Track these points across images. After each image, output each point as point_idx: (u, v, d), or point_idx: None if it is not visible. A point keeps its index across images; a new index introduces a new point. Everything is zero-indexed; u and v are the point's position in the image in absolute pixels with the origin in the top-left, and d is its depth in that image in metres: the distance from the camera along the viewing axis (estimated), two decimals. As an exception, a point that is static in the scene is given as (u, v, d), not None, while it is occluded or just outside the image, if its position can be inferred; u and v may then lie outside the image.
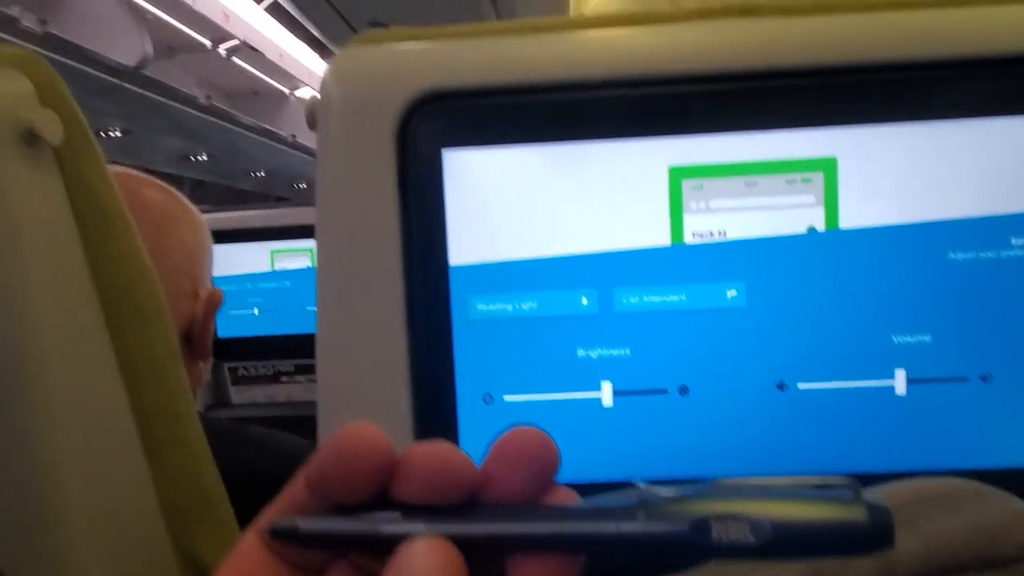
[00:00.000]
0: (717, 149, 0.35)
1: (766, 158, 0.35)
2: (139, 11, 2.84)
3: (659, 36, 0.36)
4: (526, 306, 0.35)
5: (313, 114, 0.37)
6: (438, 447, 0.18)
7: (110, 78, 2.81)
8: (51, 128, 0.38)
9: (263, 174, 5.63)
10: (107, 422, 0.44)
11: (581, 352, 0.36)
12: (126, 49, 2.70)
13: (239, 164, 5.22)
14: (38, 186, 0.39)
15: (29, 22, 2.26)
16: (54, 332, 0.40)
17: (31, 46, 2.39)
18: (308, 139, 4.81)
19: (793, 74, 0.34)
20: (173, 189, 0.67)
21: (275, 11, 3.35)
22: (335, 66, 0.36)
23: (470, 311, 0.36)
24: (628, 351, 0.35)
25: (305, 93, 4.75)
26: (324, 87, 0.36)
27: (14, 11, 2.23)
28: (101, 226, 0.41)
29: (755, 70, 0.34)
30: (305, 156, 5.06)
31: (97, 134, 3.94)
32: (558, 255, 0.35)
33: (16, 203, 0.38)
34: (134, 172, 0.64)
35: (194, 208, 0.67)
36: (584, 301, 0.35)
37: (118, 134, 3.65)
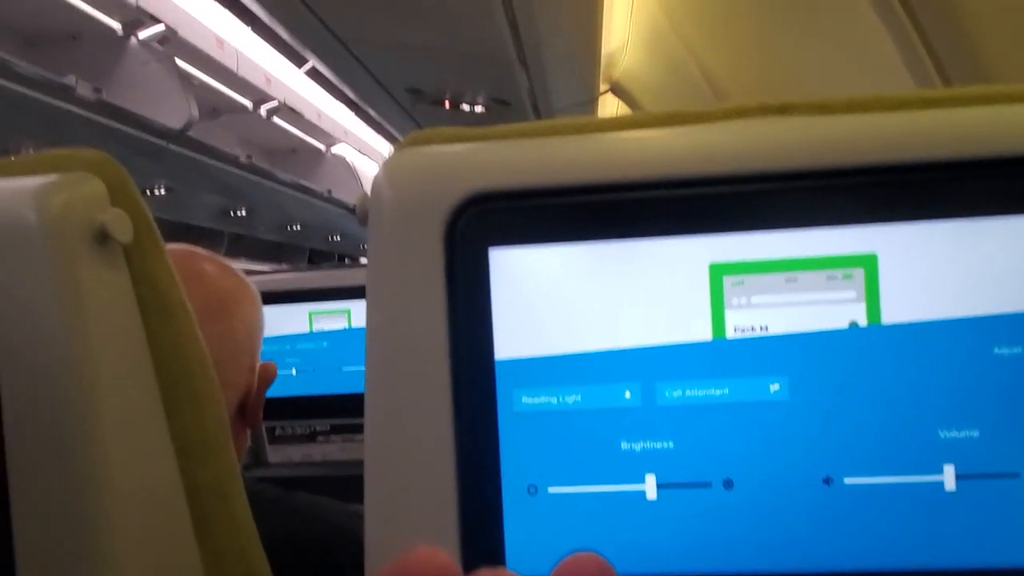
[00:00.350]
0: (757, 246, 0.35)
1: (806, 255, 0.35)
2: (186, 77, 2.97)
3: (698, 136, 0.37)
4: (570, 399, 0.36)
5: (365, 212, 0.39)
6: (504, 575, 0.19)
7: (157, 140, 2.93)
8: (121, 227, 0.40)
9: (299, 227, 5.77)
10: (160, 501, 0.45)
11: (625, 445, 0.36)
12: (173, 113, 2.82)
13: (276, 218, 5.36)
14: (107, 281, 0.41)
15: (84, 91, 2.38)
16: (115, 415, 0.42)
17: (85, 112, 2.51)
18: (342, 194, 4.93)
19: (831, 173, 0.35)
20: (229, 264, 0.70)
21: (314, 74, 3.48)
22: (386, 168, 0.38)
23: (515, 404, 0.36)
24: (672, 444, 0.36)
25: (341, 150, 4.89)
26: (375, 187, 0.38)
27: (70, 80, 2.35)
28: (163, 316, 0.43)
29: (794, 170, 0.35)
30: (339, 210, 5.18)
31: (143, 192, 4.09)
32: (601, 350, 0.36)
33: (87, 297, 0.40)
34: (194, 250, 0.67)
35: (251, 283, 0.70)
36: (627, 395, 0.36)
37: (162, 192, 3.78)
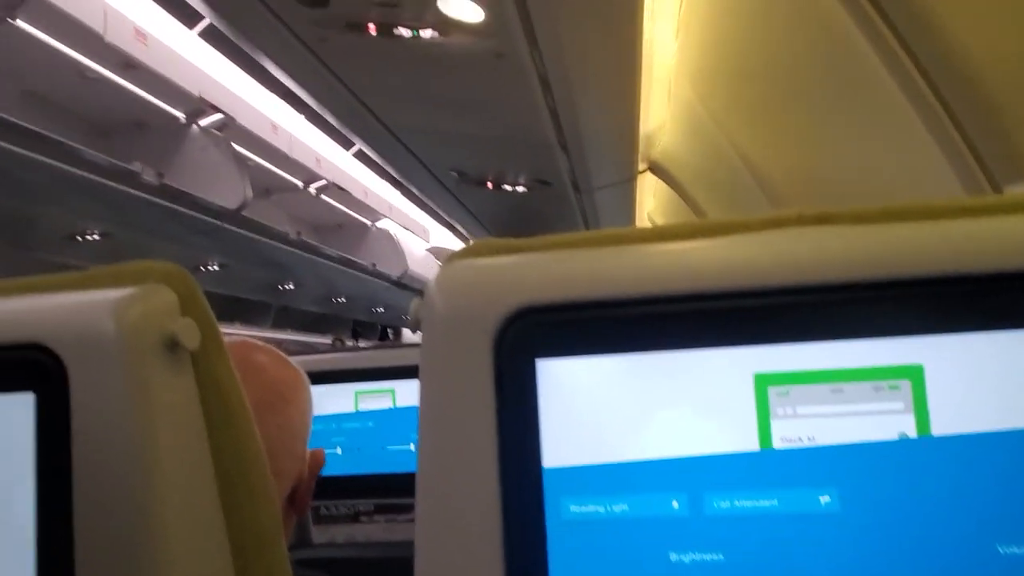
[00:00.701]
0: (802, 357, 0.36)
1: (851, 366, 0.36)
2: (242, 159, 3.13)
3: (738, 248, 0.38)
4: (618, 508, 0.37)
5: (417, 320, 0.41)
6: None
7: (213, 220, 3.07)
8: (190, 336, 0.43)
9: (344, 300, 5.88)
10: None
11: (673, 556, 0.36)
12: (229, 194, 2.96)
13: (322, 291, 5.48)
14: (175, 385, 0.43)
15: (148, 176, 2.52)
16: (178, 513, 0.43)
17: (149, 196, 2.65)
18: (386, 267, 5.04)
19: (873, 285, 0.36)
20: (281, 353, 0.72)
21: (361, 156, 3.63)
22: (439, 279, 0.40)
23: (563, 512, 0.37)
24: (721, 556, 0.36)
25: (385, 224, 5.03)
26: (428, 297, 0.40)
27: (136, 167, 2.50)
28: (225, 417, 0.45)
29: (835, 282, 0.36)
30: (382, 283, 5.29)
31: (196, 268, 4.26)
32: (648, 459, 0.37)
33: (156, 401, 0.42)
34: (250, 343, 0.70)
35: (303, 371, 0.72)
36: (675, 504, 0.36)
37: (215, 268, 3.92)
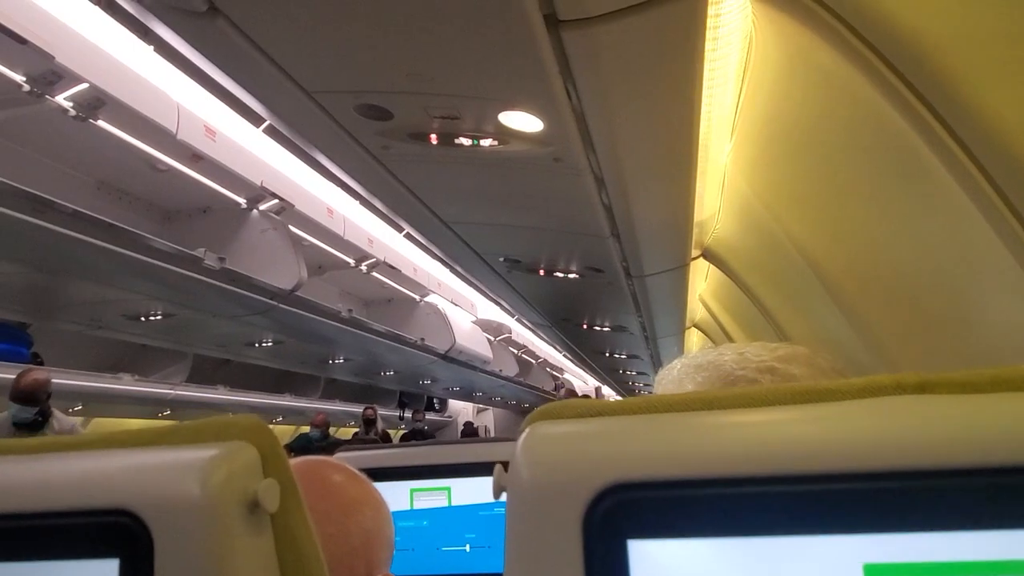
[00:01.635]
0: (916, 547, 0.33)
1: (973, 559, 0.33)
2: (297, 241, 3.23)
3: (841, 422, 0.36)
4: None
5: (501, 487, 0.40)
6: None
7: (269, 300, 3.15)
8: (271, 497, 0.42)
9: (392, 373, 5.92)
10: None
11: None
12: (285, 276, 3.05)
13: (371, 365, 5.52)
14: (255, 546, 0.43)
15: (210, 260, 2.62)
16: None
17: (210, 279, 2.75)
18: (434, 341, 5.07)
19: (990, 471, 0.33)
20: (360, 474, 0.72)
21: (411, 237, 3.71)
22: (525, 447, 0.39)
23: None
24: None
25: (433, 299, 5.09)
26: (514, 466, 0.39)
27: (199, 252, 2.61)
28: (299, 572, 0.44)
29: (948, 466, 0.34)
30: (430, 356, 5.30)
31: (251, 344, 4.36)
32: (751, 654, 0.34)
33: (236, 563, 0.42)
34: (324, 459, 0.70)
35: (379, 494, 0.71)
36: None
37: (269, 344, 4.00)
